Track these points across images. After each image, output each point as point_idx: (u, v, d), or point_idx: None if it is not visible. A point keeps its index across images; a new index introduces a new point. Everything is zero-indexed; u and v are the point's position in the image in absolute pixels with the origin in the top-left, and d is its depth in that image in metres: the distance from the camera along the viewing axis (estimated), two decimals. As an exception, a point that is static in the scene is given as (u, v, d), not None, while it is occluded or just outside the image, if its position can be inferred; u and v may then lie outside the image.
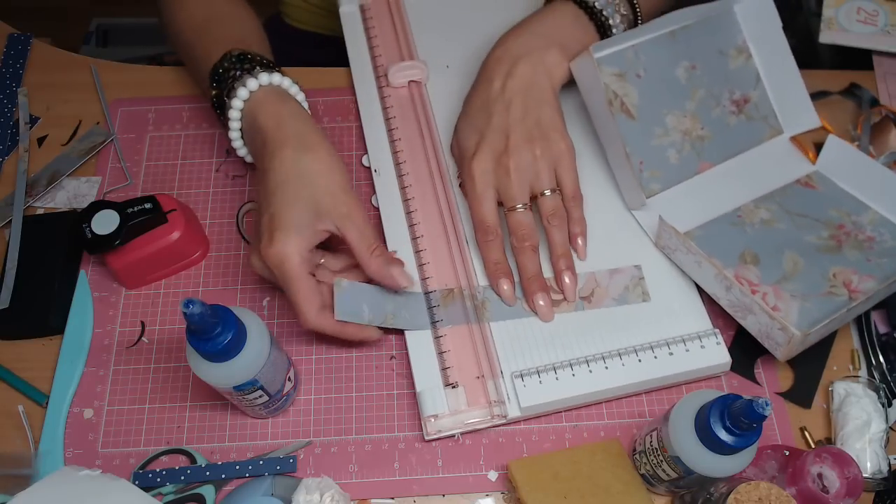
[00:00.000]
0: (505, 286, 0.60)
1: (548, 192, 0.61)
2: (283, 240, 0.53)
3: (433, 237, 0.64)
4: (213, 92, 0.62)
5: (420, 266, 0.63)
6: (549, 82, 0.63)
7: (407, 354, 0.60)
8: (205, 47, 0.64)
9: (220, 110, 0.62)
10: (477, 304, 0.60)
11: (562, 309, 0.60)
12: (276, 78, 0.60)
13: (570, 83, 0.65)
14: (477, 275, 0.63)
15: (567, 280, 0.61)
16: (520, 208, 0.60)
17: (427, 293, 0.61)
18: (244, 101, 0.60)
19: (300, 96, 0.62)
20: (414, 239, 0.64)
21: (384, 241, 0.65)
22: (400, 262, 0.58)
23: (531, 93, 0.62)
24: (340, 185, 0.57)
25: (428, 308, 0.60)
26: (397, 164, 0.68)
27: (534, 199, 0.61)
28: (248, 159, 0.64)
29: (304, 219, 0.55)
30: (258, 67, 0.61)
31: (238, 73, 0.60)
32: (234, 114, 0.60)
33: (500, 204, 0.62)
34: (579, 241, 0.62)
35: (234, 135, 0.62)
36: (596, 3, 0.64)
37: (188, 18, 0.68)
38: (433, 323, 0.60)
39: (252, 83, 0.59)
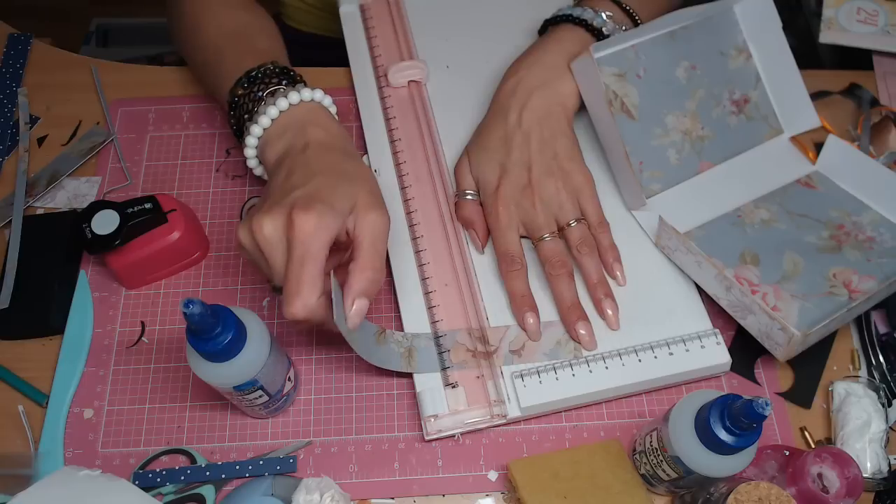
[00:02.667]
0: (531, 320, 0.59)
1: (573, 223, 0.61)
2: (322, 212, 0.49)
3: (433, 237, 0.64)
4: (240, 91, 0.60)
5: (420, 266, 0.63)
6: (564, 112, 0.64)
7: (407, 354, 0.60)
8: (238, 54, 0.63)
9: (235, 111, 0.60)
10: (409, 348, 0.59)
11: (492, 362, 0.58)
12: (328, 100, 0.60)
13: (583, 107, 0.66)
14: (477, 274, 0.63)
15: (608, 309, 0.59)
16: (547, 237, 0.60)
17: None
18: (292, 104, 0.58)
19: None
20: (414, 239, 0.64)
21: (384, 241, 0.65)
22: (367, 304, 0.52)
23: (547, 124, 0.63)
24: (378, 195, 0.55)
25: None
26: (397, 165, 0.68)
27: (560, 231, 0.61)
28: (252, 162, 0.61)
29: (342, 206, 0.51)
30: (304, 84, 0.60)
31: (285, 81, 0.59)
32: (273, 111, 0.57)
33: (523, 237, 0.62)
34: (616, 267, 0.61)
35: (257, 131, 0.58)
36: (604, 29, 0.65)
37: (218, 29, 0.67)
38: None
39: (306, 94, 0.58)
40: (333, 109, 0.61)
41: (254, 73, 0.60)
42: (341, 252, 0.56)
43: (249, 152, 0.60)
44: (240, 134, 0.61)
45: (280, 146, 0.57)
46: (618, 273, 0.61)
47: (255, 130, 0.58)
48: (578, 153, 0.63)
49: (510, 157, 0.62)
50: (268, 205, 0.52)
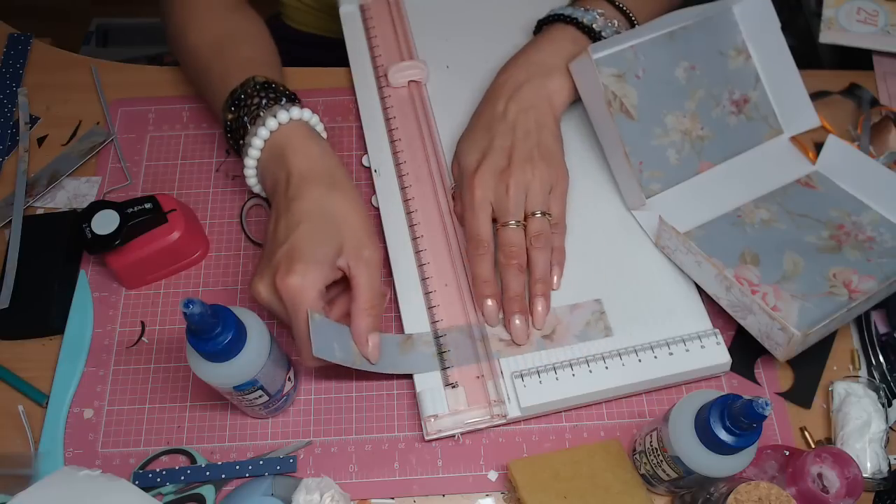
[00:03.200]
0: (489, 302, 0.59)
1: (538, 214, 0.60)
2: (304, 272, 0.52)
3: (433, 237, 0.64)
4: (230, 116, 0.61)
5: (420, 266, 0.63)
6: (550, 107, 0.64)
7: (407, 354, 0.60)
8: (222, 69, 0.64)
9: (231, 135, 0.62)
10: (439, 344, 0.59)
11: (522, 350, 0.59)
12: (307, 114, 0.60)
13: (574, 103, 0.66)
14: (477, 275, 0.63)
15: (539, 307, 0.60)
16: (512, 225, 0.60)
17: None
18: (272, 131, 0.59)
19: (320, 127, 0.62)
20: (414, 239, 0.64)
21: (384, 242, 0.65)
22: (378, 335, 0.56)
23: (533, 115, 0.63)
24: (365, 228, 0.56)
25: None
26: (397, 165, 0.68)
27: (524, 219, 0.61)
28: (257, 189, 0.63)
29: (326, 254, 0.54)
30: (285, 99, 0.60)
31: (264, 101, 0.60)
32: (257, 142, 0.59)
33: (493, 221, 0.62)
34: (556, 271, 0.62)
35: (251, 163, 0.60)
36: (594, 25, 0.65)
37: (202, 37, 0.67)
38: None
39: (283, 115, 0.58)
40: (314, 121, 0.61)
41: (238, 94, 0.61)
42: (343, 283, 0.57)
43: (251, 182, 0.62)
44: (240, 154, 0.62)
45: (269, 181, 0.60)
46: (555, 277, 0.61)
47: (250, 163, 0.60)
48: (560, 149, 0.63)
49: (492, 143, 0.62)
50: (260, 266, 0.56)
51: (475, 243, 0.60)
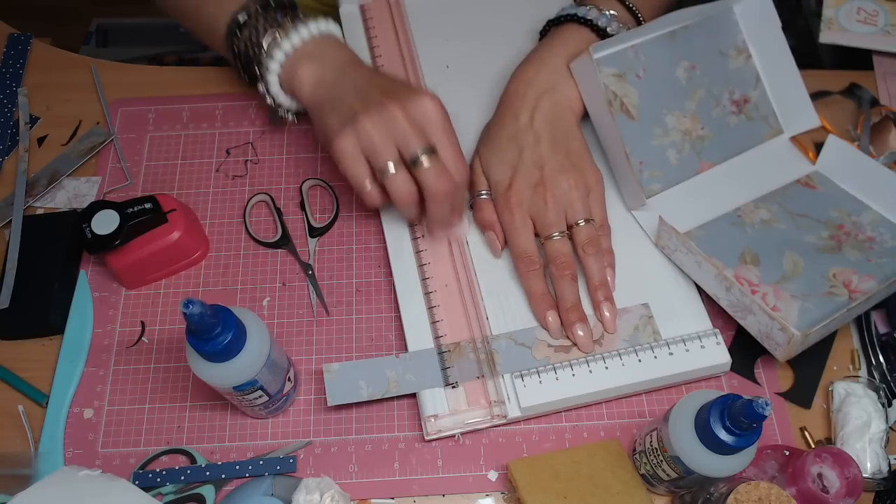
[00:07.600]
0: (551, 318, 0.59)
1: (582, 222, 0.60)
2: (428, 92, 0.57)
3: (433, 237, 0.64)
4: (237, 42, 0.63)
5: (420, 266, 0.63)
6: (573, 115, 0.64)
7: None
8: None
9: (239, 60, 0.63)
10: (489, 352, 0.59)
11: (571, 356, 0.59)
12: (333, 26, 0.64)
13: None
14: (476, 273, 0.63)
15: (606, 312, 0.59)
16: (556, 236, 0.60)
17: (440, 354, 0.59)
18: (313, 33, 0.62)
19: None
20: (414, 239, 0.64)
21: (384, 242, 0.65)
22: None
23: (558, 125, 0.63)
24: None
25: (438, 354, 0.59)
26: (397, 164, 0.68)
27: (567, 229, 0.61)
28: (276, 88, 0.64)
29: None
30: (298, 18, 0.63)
31: (293, 10, 0.63)
32: (287, 45, 0.62)
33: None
34: (609, 272, 0.61)
35: (276, 64, 0.62)
36: (609, 28, 0.65)
37: None
38: (444, 370, 0.58)
39: (322, 24, 0.63)
40: (337, 31, 0.64)
41: (241, 20, 0.63)
42: None
43: (272, 79, 0.64)
44: (252, 77, 0.64)
45: (313, 66, 0.62)
46: (610, 279, 0.61)
47: (277, 61, 0.62)
48: (588, 153, 0.63)
49: (521, 156, 0.62)
50: (363, 104, 0.57)
51: (525, 261, 0.60)
